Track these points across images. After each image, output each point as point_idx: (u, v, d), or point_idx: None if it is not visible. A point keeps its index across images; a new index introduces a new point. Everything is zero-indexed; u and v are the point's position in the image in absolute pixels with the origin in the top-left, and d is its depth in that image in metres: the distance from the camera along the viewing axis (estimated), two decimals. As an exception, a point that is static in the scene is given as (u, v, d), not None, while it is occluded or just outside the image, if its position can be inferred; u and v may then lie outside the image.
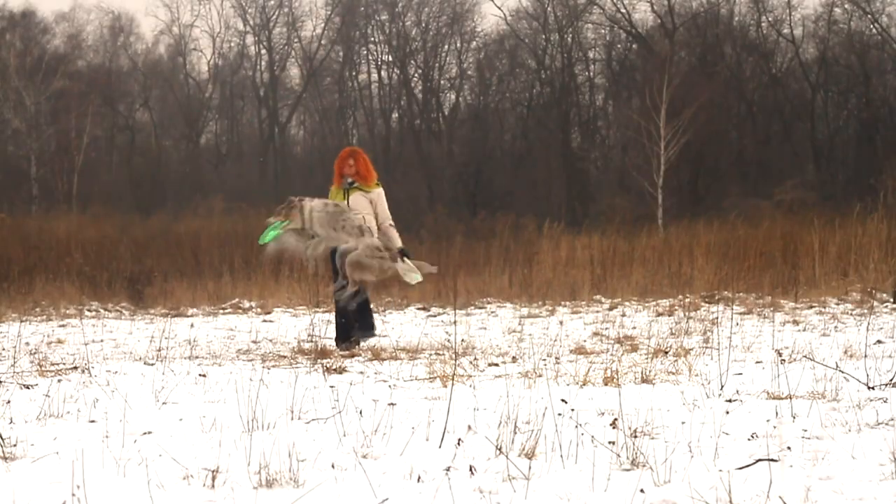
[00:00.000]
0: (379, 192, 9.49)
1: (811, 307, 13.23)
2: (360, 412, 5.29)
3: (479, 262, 18.84)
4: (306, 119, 45.07)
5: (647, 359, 7.48)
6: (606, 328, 11.09)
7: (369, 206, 9.40)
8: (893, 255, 16.59)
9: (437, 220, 26.82)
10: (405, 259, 9.17)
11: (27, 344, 9.74)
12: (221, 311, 15.16)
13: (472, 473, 4.01)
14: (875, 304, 13.56)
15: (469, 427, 4.89)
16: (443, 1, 42.13)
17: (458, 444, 4.51)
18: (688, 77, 32.38)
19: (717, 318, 10.90)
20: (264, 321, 13.13)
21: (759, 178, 33.54)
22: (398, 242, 9.32)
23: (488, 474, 4.01)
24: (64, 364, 7.78)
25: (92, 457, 4.26)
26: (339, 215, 8.94)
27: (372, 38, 43.22)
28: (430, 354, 8.35)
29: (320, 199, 9.21)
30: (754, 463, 4.08)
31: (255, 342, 10.04)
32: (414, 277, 9.13)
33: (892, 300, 13.94)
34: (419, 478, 3.98)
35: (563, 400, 5.67)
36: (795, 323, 11.20)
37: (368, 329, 9.36)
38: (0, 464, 4.27)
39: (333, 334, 9.58)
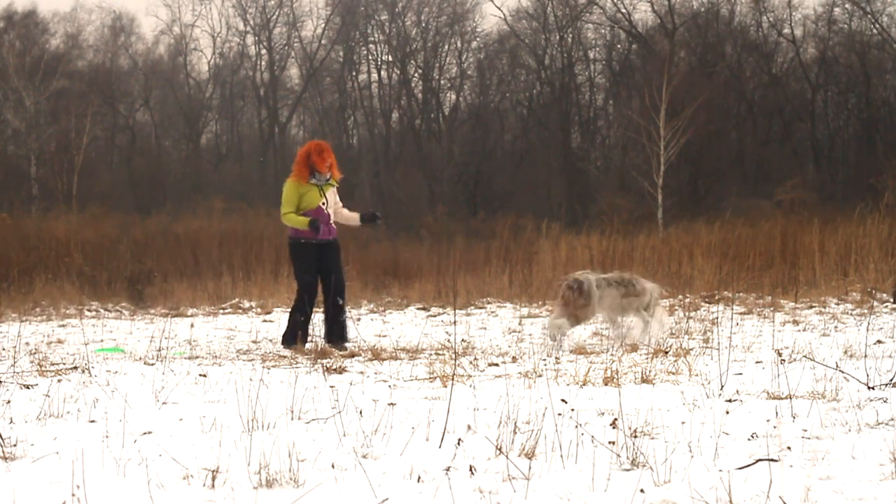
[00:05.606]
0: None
1: (811, 307, 13.22)
2: (360, 412, 5.29)
3: (479, 262, 18.84)
4: (306, 119, 45.08)
5: (647, 359, 7.48)
6: (606, 328, 11.07)
7: (336, 200, 9.47)
8: (893, 255, 16.59)
9: (437, 220, 26.86)
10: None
11: (27, 344, 9.73)
12: (221, 311, 15.15)
13: (472, 473, 4.01)
14: (875, 304, 13.54)
15: (469, 427, 4.89)
16: (443, 1, 42.13)
17: (458, 444, 4.51)
18: (688, 77, 32.37)
19: (717, 318, 10.89)
20: (264, 321, 13.12)
21: (759, 178, 33.56)
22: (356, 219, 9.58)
23: (488, 474, 4.01)
24: (64, 364, 7.78)
25: (92, 457, 4.26)
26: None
27: (372, 38, 43.23)
28: (430, 354, 8.34)
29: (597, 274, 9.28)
30: (754, 463, 4.08)
31: (255, 342, 10.04)
32: None
33: (892, 300, 13.93)
34: (419, 478, 3.98)
35: (563, 400, 5.66)
36: (795, 323, 11.19)
37: (342, 337, 9.27)
38: (0, 464, 4.26)
39: (325, 334, 9.46)
